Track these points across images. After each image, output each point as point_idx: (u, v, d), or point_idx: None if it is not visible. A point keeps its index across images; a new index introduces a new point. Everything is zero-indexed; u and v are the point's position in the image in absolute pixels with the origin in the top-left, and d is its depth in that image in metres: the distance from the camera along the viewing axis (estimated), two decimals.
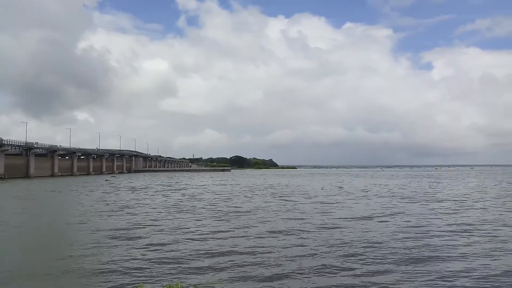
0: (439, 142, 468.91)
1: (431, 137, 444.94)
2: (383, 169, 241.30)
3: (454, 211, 20.99)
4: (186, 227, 16.23)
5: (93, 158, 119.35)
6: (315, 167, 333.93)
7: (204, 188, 45.20)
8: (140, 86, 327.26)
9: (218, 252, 11.57)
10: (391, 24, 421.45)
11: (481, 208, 22.33)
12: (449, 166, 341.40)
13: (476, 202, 26.27)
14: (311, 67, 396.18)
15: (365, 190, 38.56)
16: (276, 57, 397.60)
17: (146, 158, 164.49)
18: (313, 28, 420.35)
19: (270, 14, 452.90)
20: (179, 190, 41.31)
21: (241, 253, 11.38)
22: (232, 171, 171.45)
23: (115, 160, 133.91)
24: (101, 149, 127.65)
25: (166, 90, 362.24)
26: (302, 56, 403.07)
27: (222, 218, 18.70)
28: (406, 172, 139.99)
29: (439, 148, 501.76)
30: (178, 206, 24.27)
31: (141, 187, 47.47)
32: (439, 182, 56.88)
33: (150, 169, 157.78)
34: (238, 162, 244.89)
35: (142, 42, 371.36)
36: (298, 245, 12.45)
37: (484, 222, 17.04)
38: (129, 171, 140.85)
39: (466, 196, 31.24)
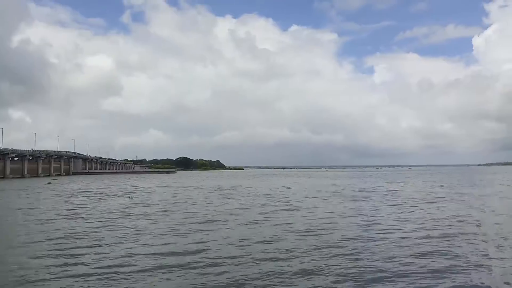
0: (379, 143, 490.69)
1: (371, 139, 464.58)
2: (327, 169, 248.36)
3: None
4: (135, 234, 15.04)
5: (28, 159, 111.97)
6: (261, 167, 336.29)
7: (151, 191, 43.46)
8: (81, 84, 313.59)
9: (167, 263, 10.64)
10: (336, 28, 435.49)
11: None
12: (388, 166, 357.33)
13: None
14: (258, 69, 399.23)
15: (316, 190, 38.80)
16: (224, 57, 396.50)
17: (86, 159, 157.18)
18: (261, 30, 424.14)
19: (218, 13, 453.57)
20: (122, 193, 39.29)
21: (190, 262, 10.65)
22: (178, 172, 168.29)
23: (52, 162, 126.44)
24: (37, 150, 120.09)
25: (109, 89, 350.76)
26: (250, 57, 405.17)
27: (173, 224, 17.55)
28: (349, 172, 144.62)
29: (379, 149, 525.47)
30: (127, 212, 22.82)
31: (84, 190, 44.79)
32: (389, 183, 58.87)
33: (90, 171, 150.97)
34: (184, 164, 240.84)
35: (84, 37, 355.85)
36: (255, 252, 11.87)
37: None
38: (68, 173, 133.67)
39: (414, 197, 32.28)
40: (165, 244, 13.24)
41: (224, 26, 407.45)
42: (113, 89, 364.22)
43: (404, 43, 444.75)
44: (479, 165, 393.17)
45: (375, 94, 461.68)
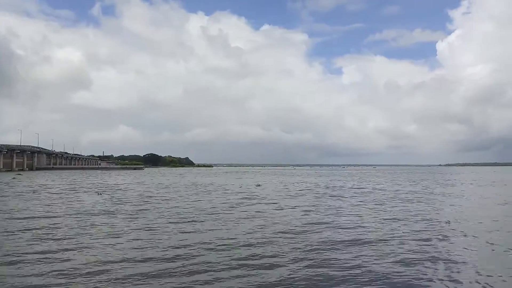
0: (347, 143, 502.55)
1: (339, 138, 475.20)
2: (295, 167, 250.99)
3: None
4: (105, 234, 14.68)
5: None
6: (230, 165, 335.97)
7: (119, 188, 42.64)
8: (49, 77, 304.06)
9: (141, 268, 10.21)
10: (307, 29, 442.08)
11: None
12: (354, 165, 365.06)
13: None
14: (231, 66, 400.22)
15: (284, 188, 39.25)
16: (196, 54, 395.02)
17: (50, 154, 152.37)
18: (233, 27, 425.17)
19: (190, 10, 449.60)
20: (89, 190, 38.35)
21: (165, 266, 10.11)
22: (146, 169, 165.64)
23: (14, 157, 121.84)
24: None
25: (77, 82, 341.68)
26: (222, 55, 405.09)
27: (145, 224, 17.25)
28: (316, 171, 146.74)
29: (346, 149, 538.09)
30: (97, 209, 22.33)
31: (49, 186, 43.43)
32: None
33: (55, 166, 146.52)
34: (152, 160, 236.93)
35: (51, 29, 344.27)
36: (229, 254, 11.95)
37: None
38: (31, 168, 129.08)
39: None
40: (137, 247, 12.64)
41: (196, 22, 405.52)
42: (82, 83, 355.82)
43: (373, 45, 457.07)
44: (440, 165, 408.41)
45: (344, 95, 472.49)
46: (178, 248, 11.94)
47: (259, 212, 20.90)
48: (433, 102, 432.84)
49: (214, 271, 9.55)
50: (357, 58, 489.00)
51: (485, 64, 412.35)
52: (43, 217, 18.48)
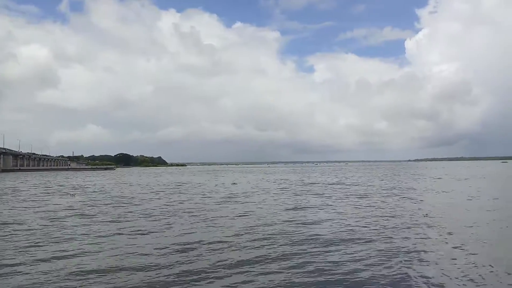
0: (319, 140, 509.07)
1: (311, 135, 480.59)
2: (269, 165, 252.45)
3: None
4: (79, 237, 14.29)
5: None
6: (204, 164, 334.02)
7: (92, 189, 41.56)
8: (13, 74, 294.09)
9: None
10: (279, 26, 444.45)
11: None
12: (327, 162, 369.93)
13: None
14: (203, 64, 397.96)
15: (261, 185, 39.19)
16: (168, 51, 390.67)
17: (17, 156, 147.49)
18: (205, 25, 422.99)
19: (162, 7, 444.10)
20: (60, 191, 37.21)
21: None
22: (117, 169, 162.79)
23: None
24: None
25: (44, 80, 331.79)
26: (194, 52, 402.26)
27: (124, 224, 16.90)
28: (290, 168, 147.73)
29: (319, 146, 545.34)
30: (72, 212, 21.60)
31: (16, 189, 41.83)
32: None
33: (22, 168, 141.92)
34: (124, 160, 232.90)
35: (16, 24, 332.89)
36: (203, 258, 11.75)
37: None
38: None
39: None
40: (118, 252, 12.18)
41: (168, 20, 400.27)
42: (49, 81, 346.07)
43: (344, 43, 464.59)
44: (409, 161, 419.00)
45: (316, 93, 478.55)
46: (160, 249, 11.65)
47: (242, 211, 20.69)
48: (402, 99, 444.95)
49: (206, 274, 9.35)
50: (329, 56, 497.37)
51: (451, 62, 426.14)
52: (14, 223, 17.68)
